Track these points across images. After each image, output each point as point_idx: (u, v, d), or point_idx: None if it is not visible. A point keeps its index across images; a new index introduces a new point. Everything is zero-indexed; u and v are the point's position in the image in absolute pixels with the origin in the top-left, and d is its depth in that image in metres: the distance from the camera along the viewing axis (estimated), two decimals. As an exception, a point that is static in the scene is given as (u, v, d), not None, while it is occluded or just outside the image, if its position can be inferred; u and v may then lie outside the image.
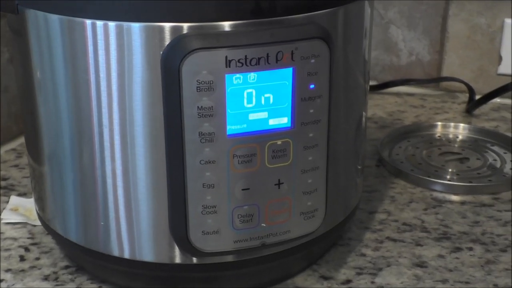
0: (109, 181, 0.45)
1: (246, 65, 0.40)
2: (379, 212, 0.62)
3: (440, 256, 0.55)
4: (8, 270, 0.53)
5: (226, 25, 0.40)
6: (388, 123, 0.82)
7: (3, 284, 0.51)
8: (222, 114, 0.41)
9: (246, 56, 0.40)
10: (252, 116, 0.42)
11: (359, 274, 0.52)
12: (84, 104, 0.44)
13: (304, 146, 0.44)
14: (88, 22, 0.41)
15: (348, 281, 0.51)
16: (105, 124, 0.43)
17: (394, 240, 0.57)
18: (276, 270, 0.50)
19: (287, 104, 0.42)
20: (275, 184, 0.44)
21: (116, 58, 0.42)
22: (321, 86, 0.43)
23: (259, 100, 0.42)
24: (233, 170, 0.42)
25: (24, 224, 0.59)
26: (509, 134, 0.76)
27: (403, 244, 0.56)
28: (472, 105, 0.85)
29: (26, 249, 0.55)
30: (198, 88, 0.40)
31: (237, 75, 0.40)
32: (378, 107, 0.88)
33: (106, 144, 0.44)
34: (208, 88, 0.40)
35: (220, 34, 0.40)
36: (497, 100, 0.86)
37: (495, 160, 0.71)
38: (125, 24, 0.41)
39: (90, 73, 0.43)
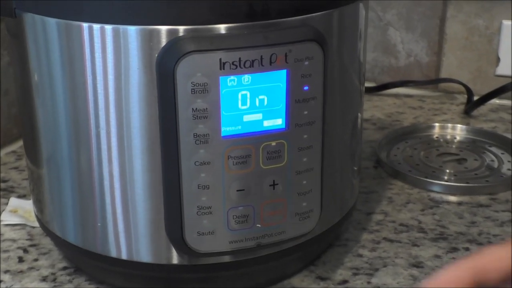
0: (106, 182, 0.45)
1: (240, 67, 0.40)
2: (376, 213, 0.62)
3: (437, 257, 0.55)
4: (6, 271, 0.53)
5: (221, 27, 0.41)
6: (387, 124, 0.83)
7: (2, 285, 0.51)
8: (216, 116, 0.41)
9: (240, 58, 0.40)
10: (247, 118, 0.42)
11: (355, 274, 0.53)
12: (81, 106, 0.44)
13: (299, 148, 0.44)
14: (85, 25, 0.42)
15: (345, 282, 0.52)
16: (102, 126, 0.44)
17: (391, 241, 0.57)
18: (272, 270, 0.51)
19: (281, 105, 0.43)
20: (270, 185, 0.44)
21: (112, 61, 0.42)
22: (315, 88, 0.43)
23: (253, 102, 0.42)
24: (228, 171, 0.43)
25: (23, 226, 0.60)
26: (507, 135, 0.76)
27: (399, 245, 0.57)
28: (471, 106, 0.85)
29: (25, 251, 0.56)
30: (193, 90, 0.40)
31: (232, 77, 0.41)
32: (376, 108, 0.88)
33: (103, 146, 0.44)
34: (203, 90, 0.40)
35: (215, 37, 0.40)
36: (496, 101, 0.86)
37: (492, 160, 0.71)
38: (122, 27, 0.41)
39: (87, 76, 0.43)
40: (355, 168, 0.55)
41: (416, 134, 0.78)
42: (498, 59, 0.89)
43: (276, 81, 0.42)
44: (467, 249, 0.56)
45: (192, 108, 0.41)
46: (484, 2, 0.87)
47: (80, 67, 0.43)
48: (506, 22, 0.87)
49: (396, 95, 0.92)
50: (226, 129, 0.42)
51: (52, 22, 0.43)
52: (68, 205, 0.48)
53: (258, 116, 0.42)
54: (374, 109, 0.88)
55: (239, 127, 0.42)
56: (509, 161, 0.71)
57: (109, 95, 0.43)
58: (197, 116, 0.41)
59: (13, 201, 0.63)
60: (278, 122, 0.43)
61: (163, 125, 0.42)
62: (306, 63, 0.42)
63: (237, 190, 0.43)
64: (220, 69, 0.40)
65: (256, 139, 0.43)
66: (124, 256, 0.47)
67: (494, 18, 0.88)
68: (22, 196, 0.65)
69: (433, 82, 0.93)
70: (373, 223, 0.60)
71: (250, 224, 0.44)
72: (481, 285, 0.32)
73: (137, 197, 0.45)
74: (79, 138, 0.45)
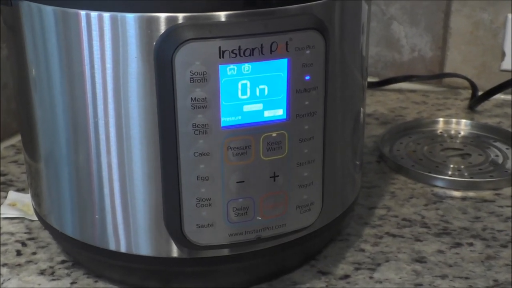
0: (104, 174, 0.45)
1: (240, 55, 0.40)
2: (379, 207, 0.61)
3: (440, 252, 0.54)
4: (4, 265, 0.52)
5: (220, 15, 0.40)
6: (390, 119, 0.82)
7: (0, 279, 0.51)
8: (216, 106, 0.40)
9: (240, 46, 0.39)
10: (247, 108, 0.41)
11: (357, 269, 0.52)
12: (79, 96, 0.43)
13: (300, 139, 0.43)
14: (83, 13, 0.41)
15: (346, 276, 0.51)
16: (100, 116, 0.43)
17: (394, 236, 0.56)
18: (272, 264, 0.50)
19: (282, 95, 0.42)
20: (271, 177, 0.43)
21: (110, 49, 0.41)
22: (317, 77, 0.42)
23: (253, 91, 0.41)
24: (227, 162, 0.42)
25: (21, 219, 0.59)
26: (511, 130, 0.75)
27: (402, 240, 0.56)
28: (475, 101, 0.84)
29: (23, 244, 0.55)
30: (191, 79, 0.40)
31: (231, 66, 0.40)
32: (379, 103, 0.87)
33: (101, 136, 0.44)
34: (202, 79, 0.40)
35: (214, 25, 0.39)
36: (500, 96, 0.85)
37: (497, 156, 0.70)
38: (120, 14, 0.40)
39: (84, 65, 0.42)
40: (357, 163, 0.54)
41: (419, 129, 0.77)
42: (503, 54, 0.88)
43: (277, 70, 0.41)
44: (471, 244, 0.55)
45: (191, 98, 0.40)
46: (489, -4, 0.86)
47: (77, 56, 0.42)
48: (511, 16, 0.86)
49: (400, 90, 0.92)
50: (226, 119, 0.41)
51: (48, 10, 0.42)
52: (66, 198, 0.48)
53: (259, 106, 0.42)
54: (377, 104, 0.87)
55: (239, 117, 0.41)
56: (514, 156, 0.70)
57: (107, 84, 0.42)
58: (196, 105, 0.40)
59: (12, 195, 0.63)
60: (279, 112, 0.42)
61: (161, 115, 0.41)
62: (308, 52, 0.41)
63: (237, 182, 0.43)
64: (220, 57, 0.39)
65: (256, 130, 0.42)
66: (122, 249, 0.46)
67: (499, 12, 0.86)
68: (21, 190, 0.64)
69: (437, 77, 0.92)
70: (375, 218, 0.59)
71: (250, 217, 0.44)
72: None
73: (135, 189, 0.44)
74: (77, 129, 0.44)
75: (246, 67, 0.40)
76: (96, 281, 0.51)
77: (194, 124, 0.41)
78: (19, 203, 0.61)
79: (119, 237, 0.46)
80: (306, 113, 0.43)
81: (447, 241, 0.55)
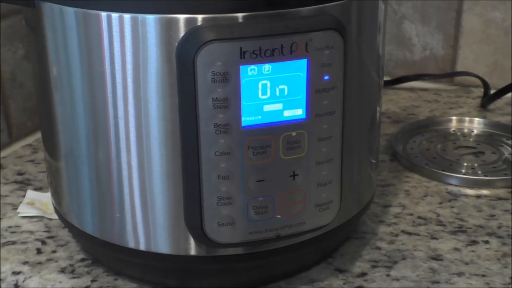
0: (124, 173, 0.45)
1: (261, 56, 0.40)
2: (393, 206, 0.61)
3: (456, 249, 0.54)
4: (25, 263, 0.53)
5: (240, 16, 0.40)
6: (402, 118, 0.82)
7: (21, 276, 0.51)
8: (237, 106, 0.41)
9: (260, 47, 0.40)
10: (267, 108, 0.42)
11: (374, 267, 0.52)
12: (100, 96, 0.44)
13: (319, 138, 0.44)
14: (104, 14, 0.42)
15: (363, 274, 0.51)
16: (120, 116, 0.44)
17: (409, 234, 0.57)
18: (290, 262, 0.50)
19: (301, 95, 0.42)
20: (290, 176, 0.44)
21: (131, 50, 0.42)
22: (336, 77, 0.43)
23: (273, 91, 0.42)
24: (248, 161, 0.42)
25: (40, 218, 0.60)
26: (524, 128, 0.76)
27: (418, 238, 0.56)
28: (487, 99, 0.84)
29: (43, 242, 0.56)
30: (213, 80, 0.40)
31: (252, 67, 0.40)
32: (391, 102, 0.87)
33: (122, 136, 0.44)
34: (223, 79, 0.40)
35: (235, 26, 0.40)
36: (512, 94, 0.86)
37: (510, 154, 0.71)
38: (140, 16, 0.41)
39: (105, 66, 0.43)
40: (373, 161, 0.54)
41: (432, 127, 0.78)
42: (515, 52, 0.88)
43: (297, 70, 0.41)
44: (486, 242, 0.55)
45: (212, 98, 0.40)
46: (501, -6, 0.86)
47: (98, 56, 0.43)
48: (523, 15, 0.86)
49: (411, 89, 0.92)
50: (246, 119, 0.42)
51: (70, 11, 0.43)
52: (86, 196, 0.48)
53: (279, 106, 0.42)
54: (389, 102, 0.87)
55: (259, 117, 0.42)
56: (527, 154, 0.70)
57: (128, 84, 0.43)
58: (217, 105, 0.41)
59: (30, 194, 0.63)
60: (299, 112, 0.43)
61: (183, 114, 0.42)
62: (327, 52, 0.42)
63: (257, 181, 0.43)
64: (241, 58, 0.40)
65: (276, 129, 0.42)
66: (142, 247, 0.47)
67: (511, 10, 0.87)
68: (38, 189, 0.65)
69: (449, 75, 0.92)
70: (390, 216, 0.60)
71: (269, 215, 0.44)
72: None
73: (155, 188, 0.45)
74: (97, 128, 0.45)
75: (267, 67, 0.41)
76: (115, 279, 0.51)
77: (215, 124, 0.41)
78: (37, 202, 0.62)
79: (139, 235, 0.47)
80: (325, 112, 0.43)
81: (462, 239, 0.56)
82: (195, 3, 0.40)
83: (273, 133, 0.42)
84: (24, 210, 0.60)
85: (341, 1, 0.43)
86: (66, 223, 0.52)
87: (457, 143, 0.74)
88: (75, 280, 0.51)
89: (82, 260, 0.53)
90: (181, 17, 0.40)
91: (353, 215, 0.51)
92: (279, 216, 0.44)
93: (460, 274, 0.51)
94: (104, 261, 0.53)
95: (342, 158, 0.46)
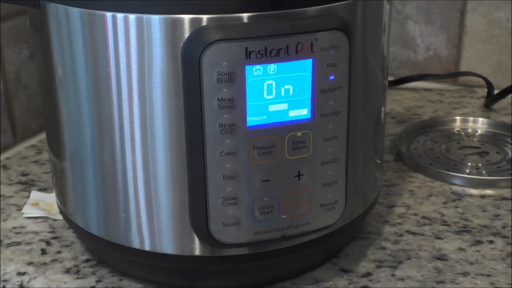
0: (129, 173, 0.45)
1: (266, 56, 0.40)
2: (398, 206, 0.61)
3: (461, 249, 0.54)
4: (30, 263, 0.53)
5: (246, 16, 0.40)
6: (406, 118, 0.82)
7: (26, 277, 0.51)
8: (242, 106, 0.41)
9: (266, 47, 0.40)
10: (272, 108, 0.42)
11: (379, 267, 0.52)
12: (105, 97, 0.44)
13: (324, 138, 0.44)
14: (109, 14, 0.42)
15: (368, 274, 0.51)
16: (125, 116, 0.44)
17: (414, 234, 0.57)
18: (296, 262, 0.50)
19: (307, 95, 0.42)
20: (295, 176, 0.44)
21: (136, 50, 0.42)
22: (341, 77, 0.43)
23: (279, 91, 0.42)
24: (253, 161, 0.42)
25: (45, 219, 0.60)
26: (528, 128, 0.75)
27: (423, 238, 0.56)
28: (491, 99, 0.84)
29: (48, 243, 0.56)
30: (219, 80, 0.40)
31: (257, 67, 0.40)
32: (395, 102, 0.87)
33: (127, 136, 0.44)
34: (228, 79, 0.40)
35: (240, 26, 0.40)
36: (516, 94, 0.85)
37: (515, 154, 0.71)
38: (145, 16, 0.41)
39: (110, 66, 0.43)
40: (378, 161, 0.54)
41: (436, 127, 0.78)
42: (518, 52, 0.88)
43: (302, 70, 0.41)
44: (491, 242, 0.55)
45: (218, 98, 0.40)
46: (505, -6, 0.86)
47: (103, 57, 0.43)
48: (527, 15, 0.86)
49: (415, 89, 0.92)
50: (252, 119, 0.42)
51: (75, 11, 0.43)
52: (91, 196, 0.48)
53: (284, 106, 0.42)
54: (392, 102, 0.87)
55: (265, 117, 0.42)
56: (531, 154, 0.70)
57: (133, 85, 0.43)
58: (222, 105, 0.41)
59: (34, 194, 0.63)
60: (304, 112, 0.43)
61: (188, 115, 0.42)
62: (332, 52, 0.42)
63: (262, 181, 0.43)
64: (246, 58, 0.40)
65: (282, 129, 0.42)
66: (147, 247, 0.47)
67: (515, 10, 0.87)
68: (43, 190, 0.65)
69: (453, 75, 0.92)
70: (395, 216, 0.60)
71: (275, 215, 0.44)
72: None
73: (160, 188, 0.45)
74: (102, 129, 0.45)
75: (272, 67, 0.41)
76: (121, 279, 0.51)
77: (220, 124, 0.41)
78: (41, 202, 0.62)
79: (143, 235, 0.47)
80: (330, 112, 0.43)
81: (467, 239, 0.56)
82: (200, 3, 0.40)
83: (279, 133, 0.42)
84: (29, 211, 0.60)
85: (347, 1, 0.43)
86: (71, 224, 0.52)
87: (461, 143, 0.74)
88: (80, 281, 0.51)
89: (87, 260, 0.54)
90: (187, 17, 0.40)
91: (358, 215, 0.51)
92: (284, 216, 0.44)
93: (465, 274, 0.51)
94: (109, 261, 0.53)
95: (347, 158, 0.46)
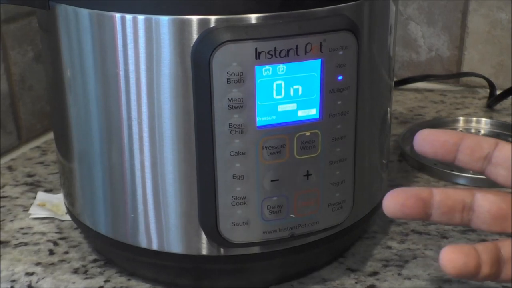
0: (138, 173, 0.46)
1: (276, 56, 0.40)
2: (403, 205, 0.62)
3: (466, 249, 0.55)
4: (38, 264, 0.53)
5: (255, 17, 0.41)
6: (409, 118, 0.82)
7: (34, 277, 0.52)
8: (252, 106, 0.41)
9: (275, 48, 0.40)
10: (281, 108, 0.42)
11: (385, 266, 0.52)
12: (113, 97, 0.44)
13: (332, 138, 0.44)
14: (118, 15, 0.42)
15: (375, 273, 0.52)
16: (133, 117, 0.44)
17: (420, 233, 0.57)
18: (303, 261, 0.51)
19: (315, 95, 0.43)
20: (304, 175, 0.44)
21: (145, 51, 0.42)
22: (349, 77, 0.43)
23: (288, 91, 0.42)
24: (262, 161, 0.43)
25: (51, 219, 0.60)
26: (531, 128, 0.76)
27: (428, 237, 0.56)
28: (493, 100, 0.85)
29: (55, 243, 0.56)
30: (228, 80, 0.40)
31: (267, 67, 0.41)
32: (398, 103, 0.88)
33: (135, 137, 0.45)
34: (238, 80, 0.40)
35: (250, 27, 0.40)
36: (518, 95, 0.86)
37: (518, 154, 0.71)
38: (154, 17, 0.41)
39: (119, 67, 0.43)
40: (384, 162, 0.54)
41: (439, 127, 0.78)
42: (520, 53, 0.89)
43: (311, 70, 0.42)
44: (496, 240, 0.55)
45: (228, 98, 0.41)
46: (507, -5, 0.87)
47: (112, 58, 0.43)
48: (528, 16, 0.87)
49: (417, 90, 0.92)
50: (261, 119, 0.42)
51: (84, 12, 0.43)
52: (99, 197, 0.48)
53: (293, 106, 0.42)
54: (395, 103, 0.87)
55: (274, 117, 0.42)
56: (535, 154, 0.70)
57: (141, 85, 0.43)
58: (232, 106, 0.41)
59: (41, 195, 0.64)
60: (312, 112, 0.43)
61: (198, 115, 0.42)
62: (341, 52, 0.42)
63: (271, 180, 0.43)
64: (256, 58, 0.40)
65: (291, 129, 0.43)
66: (155, 247, 0.47)
67: (516, 11, 0.87)
68: (49, 191, 0.65)
69: (455, 76, 0.92)
70: (400, 216, 0.60)
71: (284, 215, 0.44)
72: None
73: (168, 188, 0.45)
74: (111, 129, 0.45)
75: (281, 67, 0.41)
76: (129, 279, 0.51)
77: (230, 124, 0.41)
78: (48, 203, 0.62)
79: (151, 235, 0.47)
80: (339, 112, 0.44)
81: (473, 238, 0.56)
82: (209, 4, 0.41)
83: (288, 133, 0.43)
84: (35, 211, 0.61)
85: (354, 2, 0.44)
86: (79, 224, 0.52)
87: (465, 143, 0.74)
88: (88, 281, 0.51)
89: (95, 261, 0.54)
90: (196, 18, 0.41)
91: (365, 214, 0.51)
92: (293, 216, 0.45)
93: (471, 273, 0.51)
94: (117, 261, 0.53)
95: (355, 158, 0.46)
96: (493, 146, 0.39)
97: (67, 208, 0.54)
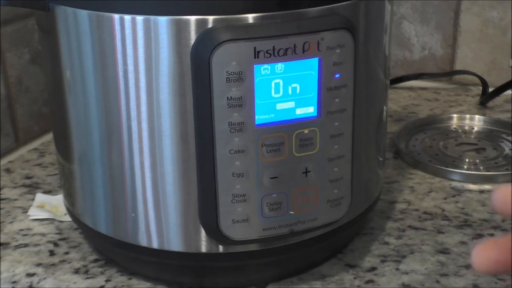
0: (138, 173, 0.46)
1: (274, 55, 0.41)
2: (399, 202, 0.62)
3: (463, 243, 0.55)
4: (39, 265, 0.54)
5: (254, 17, 0.41)
6: (403, 116, 0.83)
7: (35, 278, 0.52)
8: (251, 104, 0.42)
9: (274, 47, 0.41)
10: (280, 106, 0.43)
11: (383, 261, 0.53)
12: (113, 97, 0.45)
13: (330, 135, 0.45)
14: (116, 16, 0.42)
15: (373, 269, 0.52)
16: (133, 117, 0.44)
17: (416, 229, 0.58)
18: (303, 258, 0.51)
19: (313, 93, 0.43)
20: (303, 172, 0.45)
21: (144, 51, 0.43)
22: (346, 75, 0.44)
23: (286, 90, 0.43)
24: (262, 159, 0.43)
25: (51, 221, 0.60)
26: (524, 124, 0.77)
27: (425, 232, 0.57)
28: (486, 97, 0.86)
29: (55, 244, 0.57)
30: (228, 79, 0.41)
31: (265, 66, 0.41)
32: (392, 101, 0.88)
33: (135, 137, 0.45)
34: (237, 79, 0.41)
35: (248, 26, 0.41)
36: (510, 92, 0.87)
37: (511, 149, 0.72)
38: (153, 18, 0.42)
39: (118, 67, 0.44)
40: (380, 159, 0.55)
41: (434, 125, 0.79)
42: (512, 50, 0.89)
43: (309, 69, 0.42)
44: (492, 235, 0.56)
45: (227, 97, 0.41)
46: (498, -7, 0.88)
47: (111, 58, 0.43)
48: (520, 13, 0.88)
49: (411, 88, 0.93)
50: (260, 117, 0.42)
51: (84, 14, 0.43)
52: (100, 196, 0.49)
53: (291, 104, 0.43)
54: (389, 101, 0.87)
55: (272, 115, 0.43)
56: (528, 150, 0.71)
57: (140, 85, 0.44)
58: (232, 104, 0.42)
59: (40, 197, 0.64)
60: (310, 110, 0.44)
61: (198, 114, 0.42)
62: (338, 51, 0.43)
63: (271, 178, 0.44)
64: (255, 57, 0.41)
65: (289, 127, 0.43)
66: (155, 245, 0.48)
67: (508, 9, 0.88)
68: (47, 192, 0.65)
69: (448, 74, 0.93)
70: (397, 212, 0.61)
71: (283, 211, 0.45)
72: None
73: (168, 187, 0.46)
74: (110, 130, 0.46)
75: (279, 66, 0.42)
76: (129, 278, 0.52)
77: (230, 123, 0.42)
78: (47, 204, 0.63)
79: (152, 233, 0.47)
80: (336, 110, 0.44)
81: (468, 233, 0.57)
82: (208, 4, 0.41)
83: (286, 130, 0.43)
84: (35, 213, 0.61)
85: (350, 2, 0.44)
86: (79, 224, 0.53)
87: (459, 140, 0.75)
88: (90, 281, 0.52)
89: (95, 260, 0.54)
90: (194, 18, 0.41)
91: (362, 210, 0.52)
92: (293, 212, 0.45)
93: (468, 266, 0.52)
94: (118, 261, 0.53)
95: (353, 155, 0.47)
96: None
97: (67, 209, 0.54)
